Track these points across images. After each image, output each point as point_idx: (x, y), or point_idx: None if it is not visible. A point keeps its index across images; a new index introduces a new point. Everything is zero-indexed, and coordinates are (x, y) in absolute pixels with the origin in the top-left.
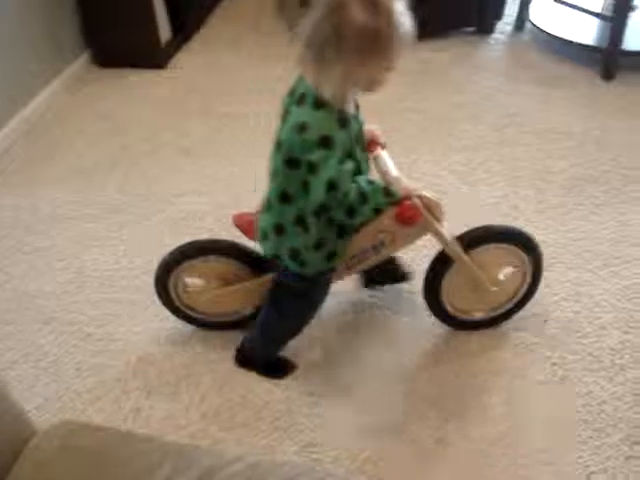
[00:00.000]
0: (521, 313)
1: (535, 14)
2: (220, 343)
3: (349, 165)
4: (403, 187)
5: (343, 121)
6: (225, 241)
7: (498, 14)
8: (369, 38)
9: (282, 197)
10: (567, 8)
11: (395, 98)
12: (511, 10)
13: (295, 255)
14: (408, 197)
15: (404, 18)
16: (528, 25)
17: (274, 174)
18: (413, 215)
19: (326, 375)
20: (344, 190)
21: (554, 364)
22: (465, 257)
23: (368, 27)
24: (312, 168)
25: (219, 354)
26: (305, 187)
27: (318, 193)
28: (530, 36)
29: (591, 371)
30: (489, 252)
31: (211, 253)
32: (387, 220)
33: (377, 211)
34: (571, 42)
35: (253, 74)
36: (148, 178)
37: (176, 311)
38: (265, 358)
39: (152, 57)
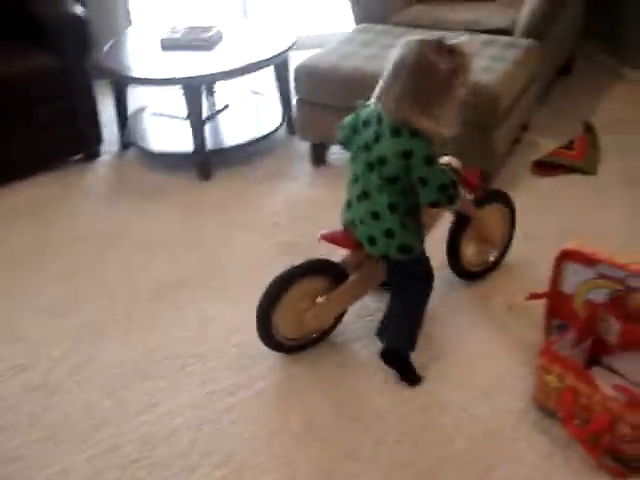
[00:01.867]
0: None
1: (136, 131)
2: None
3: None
4: (455, 162)
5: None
6: (309, 261)
7: (99, 138)
8: (455, 75)
9: (391, 207)
10: (165, 119)
11: None
12: (115, 130)
13: (404, 248)
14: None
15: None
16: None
17: (375, 190)
18: (479, 176)
19: None
20: (449, 188)
21: None
22: (479, 212)
23: (451, 69)
24: (423, 182)
25: None
26: (405, 195)
27: (431, 196)
28: (135, 154)
29: None
30: (488, 210)
31: (304, 276)
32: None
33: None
34: (170, 152)
35: None
36: None
37: (279, 346)
38: (407, 356)
39: None
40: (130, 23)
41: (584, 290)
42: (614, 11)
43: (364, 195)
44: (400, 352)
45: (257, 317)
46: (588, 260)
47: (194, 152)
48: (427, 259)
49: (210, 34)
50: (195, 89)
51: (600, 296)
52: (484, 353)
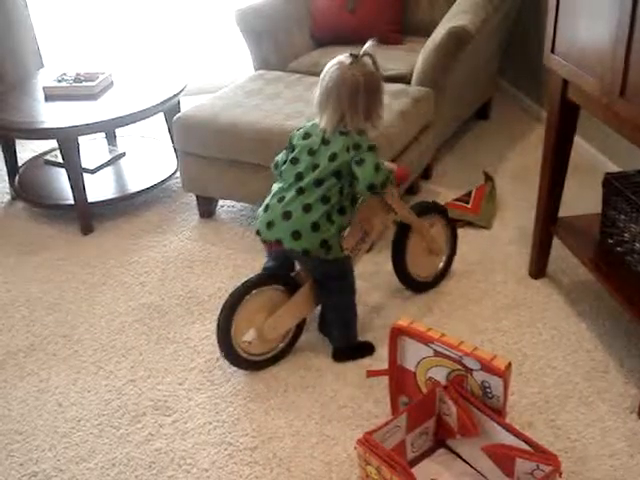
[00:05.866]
0: None
1: (25, 181)
2: None
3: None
4: (389, 163)
5: None
6: (260, 274)
7: None
8: (380, 76)
9: (323, 199)
10: (56, 170)
11: None
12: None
13: (324, 244)
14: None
15: None
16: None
17: (313, 185)
18: (408, 171)
19: None
20: (383, 171)
21: None
22: (421, 220)
23: (377, 75)
24: (361, 162)
25: None
26: (340, 194)
27: (368, 175)
28: (24, 205)
29: None
30: (428, 220)
31: (256, 287)
32: (367, 205)
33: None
34: (54, 204)
35: None
36: None
37: (241, 362)
38: (354, 344)
39: None
40: (42, 65)
41: (424, 367)
42: (533, 53)
43: (299, 191)
44: (346, 348)
45: (217, 335)
46: (421, 337)
47: (75, 204)
48: (347, 260)
49: (97, 82)
50: (70, 141)
51: (441, 374)
52: (320, 434)
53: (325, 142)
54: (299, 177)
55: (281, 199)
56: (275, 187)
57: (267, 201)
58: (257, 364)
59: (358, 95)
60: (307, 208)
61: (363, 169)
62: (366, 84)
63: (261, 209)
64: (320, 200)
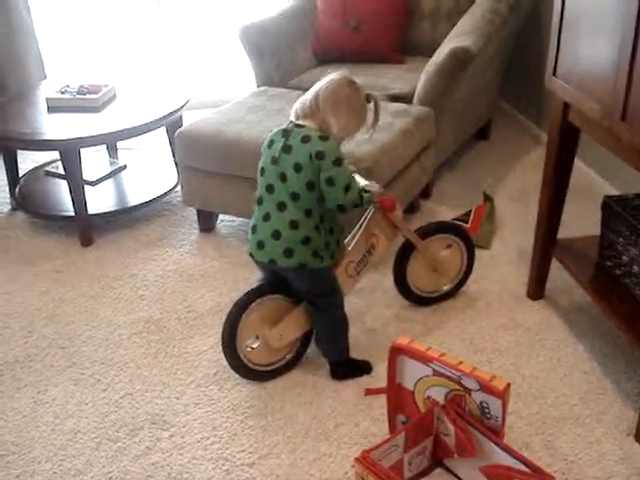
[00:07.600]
0: None
1: (25, 192)
2: None
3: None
4: (379, 188)
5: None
6: (262, 284)
7: None
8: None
9: (307, 213)
10: (56, 182)
11: None
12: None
13: (316, 254)
14: (385, 194)
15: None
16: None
17: (290, 199)
18: (394, 202)
19: None
20: (354, 191)
21: None
22: (423, 243)
23: (364, 97)
24: (331, 181)
25: None
26: (320, 201)
27: (337, 195)
28: (24, 216)
29: None
30: (436, 241)
31: (262, 296)
32: (374, 220)
33: (369, 203)
34: (54, 215)
35: None
36: None
37: (248, 372)
38: (348, 358)
39: None
40: (44, 76)
41: (422, 386)
42: (534, 76)
43: (279, 207)
44: (338, 362)
45: (222, 345)
46: (420, 357)
47: (75, 217)
48: (332, 274)
49: (100, 94)
50: (72, 153)
51: (440, 394)
52: (318, 452)
53: (286, 149)
54: (270, 189)
55: (266, 217)
56: (254, 204)
57: (253, 221)
58: (264, 375)
59: (336, 97)
60: (294, 225)
61: (332, 190)
62: (346, 95)
63: (249, 230)
64: (304, 214)
